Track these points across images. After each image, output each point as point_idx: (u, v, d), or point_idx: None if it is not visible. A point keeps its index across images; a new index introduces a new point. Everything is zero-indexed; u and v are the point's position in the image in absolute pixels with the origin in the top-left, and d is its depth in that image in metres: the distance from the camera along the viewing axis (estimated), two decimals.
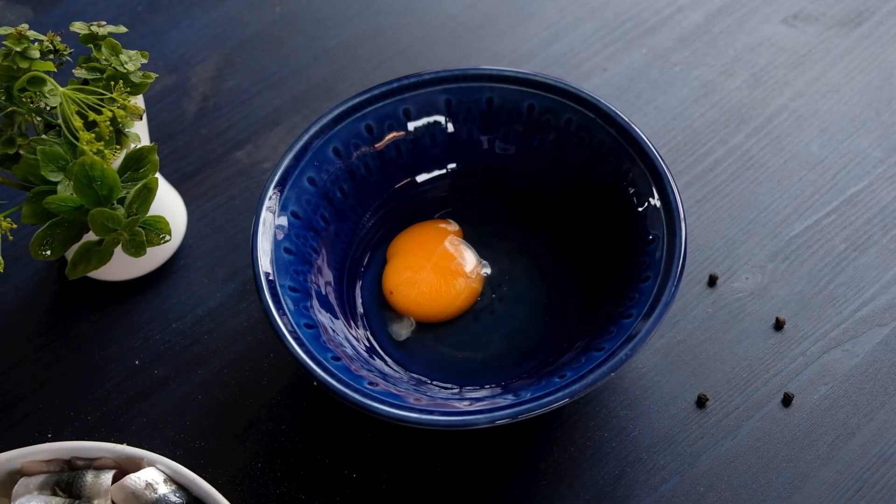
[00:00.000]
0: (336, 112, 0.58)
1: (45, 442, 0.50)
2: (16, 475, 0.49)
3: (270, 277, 0.52)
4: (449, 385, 0.55)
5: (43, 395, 0.58)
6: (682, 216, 0.52)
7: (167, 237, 0.53)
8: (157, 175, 0.55)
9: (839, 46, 0.71)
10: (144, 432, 0.57)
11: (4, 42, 0.50)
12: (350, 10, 0.76)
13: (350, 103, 0.58)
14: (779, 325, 0.58)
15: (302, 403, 0.57)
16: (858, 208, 0.63)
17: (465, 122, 0.60)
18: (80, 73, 0.53)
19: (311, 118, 0.69)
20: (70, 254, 0.58)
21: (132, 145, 0.53)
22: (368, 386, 0.49)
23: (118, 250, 0.52)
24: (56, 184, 0.50)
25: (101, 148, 0.49)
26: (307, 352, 0.50)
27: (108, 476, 0.48)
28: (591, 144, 0.57)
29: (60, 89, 0.50)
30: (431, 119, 0.60)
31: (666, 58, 0.71)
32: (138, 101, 0.55)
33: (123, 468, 0.49)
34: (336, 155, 0.58)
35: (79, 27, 0.54)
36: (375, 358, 0.55)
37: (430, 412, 0.48)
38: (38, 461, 0.49)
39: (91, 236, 0.51)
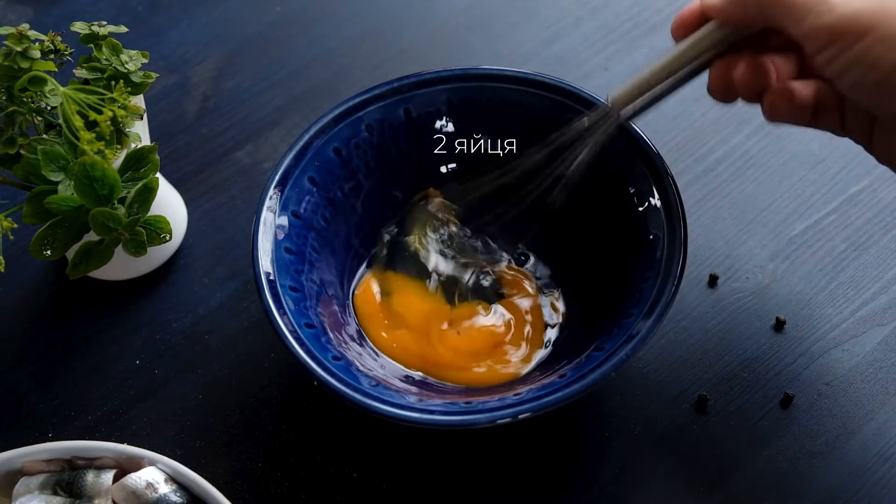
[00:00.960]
0: (336, 112, 0.58)
1: (45, 441, 0.50)
2: (16, 475, 0.49)
3: (271, 277, 0.52)
4: (449, 385, 0.55)
5: (43, 395, 0.58)
6: (682, 216, 0.52)
7: (167, 237, 0.53)
8: (158, 175, 0.55)
9: None
10: (145, 432, 0.57)
11: (5, 42, 0.50)
12: (350, 10, 0.76)
13: (350, 103, 0.58)
14: (779, 325, 0.58)
15: (302, 403, 0.57)
16: (859, 208, 0.63)
17: (466, 122, 0.60)
18: (80, 72, 0.53)
19: (312, 118, 0.69)
20: (70, 254, 0.58)
21: (133, 145, 0.53)
22: (369, 385, 0.49)
23: (118, 250, 0.52)
24: (57, 183, 0.50)
25: (102, 148, 0.49)
26: (308, 352, 0.50)
27: (108, 475, 0.48)
28: None
29: (61, 89, 0.50)
30: (432, 119, 0.59)
31: None
32: (139, 101, 0.55)
33: (124, 468, 0.49)
34: (336, 155, 0.58)
35: (79, 27, 0.54)
36: (376, 358, 0.55)
37: (431, 412, 0.48)
38: (39, 461, 0.49)
39: (92, 236, 0.52)
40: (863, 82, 0.41)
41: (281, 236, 0.54)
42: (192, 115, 0.70)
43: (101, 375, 0.59)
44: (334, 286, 0.57)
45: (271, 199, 0.55)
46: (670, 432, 0.55)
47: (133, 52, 0.54)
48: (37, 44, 0.51)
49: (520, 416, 0.47)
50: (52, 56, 0.52)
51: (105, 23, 0.55)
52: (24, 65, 0.50)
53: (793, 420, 0.55)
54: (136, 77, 0.54)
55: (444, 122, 0.60)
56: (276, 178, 0.55)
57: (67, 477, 0.49)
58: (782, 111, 0.47)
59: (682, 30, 0.48)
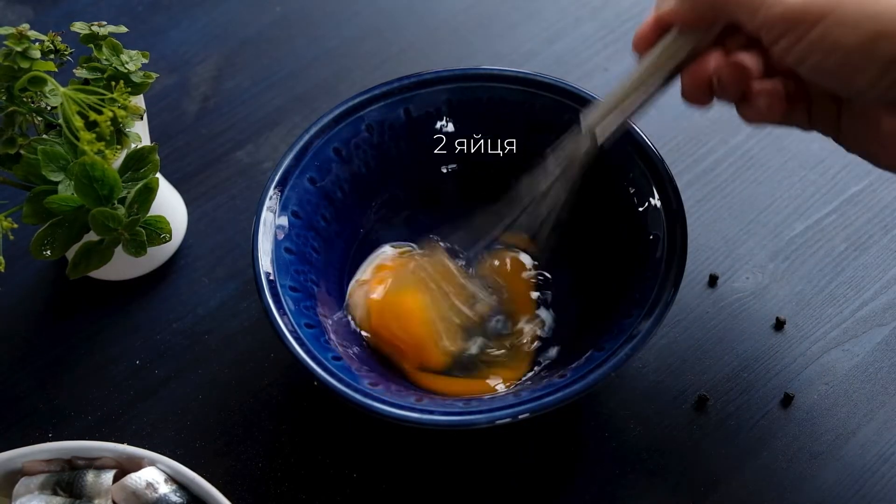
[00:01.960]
0: (337, 112, 0.58)
1: (45, 442, 0.50)
2: (16, 475, 0.49)
3: (271, 277, 0.52)
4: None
5: (43, 395, 0.58)
6: (682, 216, 0.52)
7: (167, 237, 0.53)
8: (158, 175, 0.55)
9: None
10: (145, 432, 0.57)
11: (5, 42, 0.50)
12: (350, 10, 0.76)
13: (351, 103, 0.58)
14: (779, 325, 0.58)
15: (302, 403, 0.57)
16: (859, 208, 0.63)
17: (466, 122, 0.60)
18: (80, 72, 0.53)
19: (312, 118, 0.69)
20: (70, 253, 0.58)
21: (133, 145, 0.53)
22: (369, 386, 0.49)
23: (118, 250, 0.52)
24: (57, 184, 0.50)
25: (102, 148, 0.49)
26: (308, 352, 0.50)
27: (108, 476, 0.48)
28: None
29: (61, 89, 0.50)
30: (432, 119, 0.59)
31: None
32: (139, 101, 0.55)
33: (124, 468, 0.49)
34: (337, 155, 0.58)
35: (79, 27, 0.54)
36: (376, 358, 0.55)
37: (431, 412, 0.48)
38: (39, 461, 0.49)
39: (91, 236, 0.52)
40: (824, 66, 0.41)
41: (281, 236, 0.54)
42: (192, 115, 0.70)
43: (101, 375, 0.59)
44: (334, 286, 0.57)
45: (271, 199, 0.55)
46: (670, 432, 0.55)
47: (133, 52, 0.54)
48: (37, 44, 0.51)
49: (520, 417, 0.47)
50: (52, 56, 0.52)
51: (105, 23, 0.55)
52: (24, 65, 0.50)
53: (793, 420, 0.55)
54: (136, 77, 0.54)
55: (444, 122, 0.60)
56: (276, 178, 0.55)
57: (67, 477, 0.49)
58: (770, 109, 0.46)
59: (644, 43, 0.48)
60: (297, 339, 0.50)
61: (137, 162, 0.52)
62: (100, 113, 0.50)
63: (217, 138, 0.69)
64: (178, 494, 0.48)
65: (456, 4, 0.76)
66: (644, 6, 0.74)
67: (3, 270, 0.50)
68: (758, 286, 0.60)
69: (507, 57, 0.72)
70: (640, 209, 0.55)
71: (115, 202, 0.50)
